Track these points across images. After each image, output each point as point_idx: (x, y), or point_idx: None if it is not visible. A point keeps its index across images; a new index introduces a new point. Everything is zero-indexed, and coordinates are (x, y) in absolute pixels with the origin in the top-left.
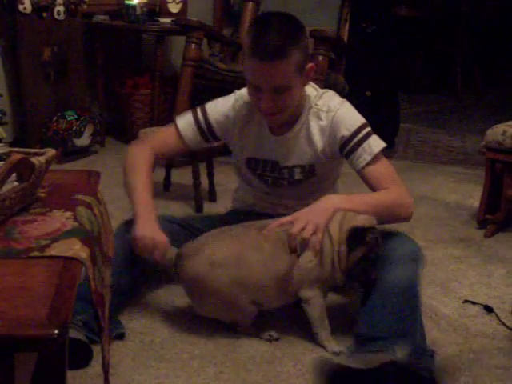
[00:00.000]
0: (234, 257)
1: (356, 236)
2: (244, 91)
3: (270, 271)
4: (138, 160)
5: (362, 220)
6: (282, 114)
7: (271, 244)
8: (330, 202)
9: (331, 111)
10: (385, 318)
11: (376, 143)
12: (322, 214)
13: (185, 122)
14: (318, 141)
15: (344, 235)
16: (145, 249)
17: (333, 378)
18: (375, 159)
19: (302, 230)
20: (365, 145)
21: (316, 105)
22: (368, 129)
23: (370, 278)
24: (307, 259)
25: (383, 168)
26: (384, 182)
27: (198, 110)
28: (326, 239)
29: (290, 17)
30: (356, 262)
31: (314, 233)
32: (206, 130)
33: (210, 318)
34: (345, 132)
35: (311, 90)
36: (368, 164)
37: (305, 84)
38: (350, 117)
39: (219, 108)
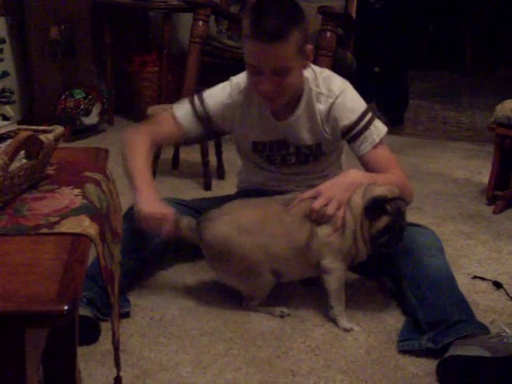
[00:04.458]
0: (258, 224)
1: (376, 206)
2: (239, 79)
3: (290, 242)
4: (136, 145)
5: (382, 190)
6: (281, 97)
7: (292, 216)
8: (352, 177)
9: (330, 97)
10: (449, 301)
11: (377, 131)
12: (345, 189)
13: (183, 111)
14: (320, 123)
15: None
16: (154, 224)
17: (465, 372)
18: (376, 146)
19: (325, 205)
20: (366, 133)
21: (317, 87)
22: (369, 115)
23: (394, 249)
24: (326, 233)
25: (385, 153)
26: (386, 167)
27: (196, 99)
28: (347, 212)
29: (288, 0)
30: (380, 232)
31: (337, 208)
32: (204, 118)
33: (229, 285)
34: (346, 121)
35: (309, 71)
36: (369, 151)
37: (305, 67)
38: (350, 104)
39: (217, 97)
